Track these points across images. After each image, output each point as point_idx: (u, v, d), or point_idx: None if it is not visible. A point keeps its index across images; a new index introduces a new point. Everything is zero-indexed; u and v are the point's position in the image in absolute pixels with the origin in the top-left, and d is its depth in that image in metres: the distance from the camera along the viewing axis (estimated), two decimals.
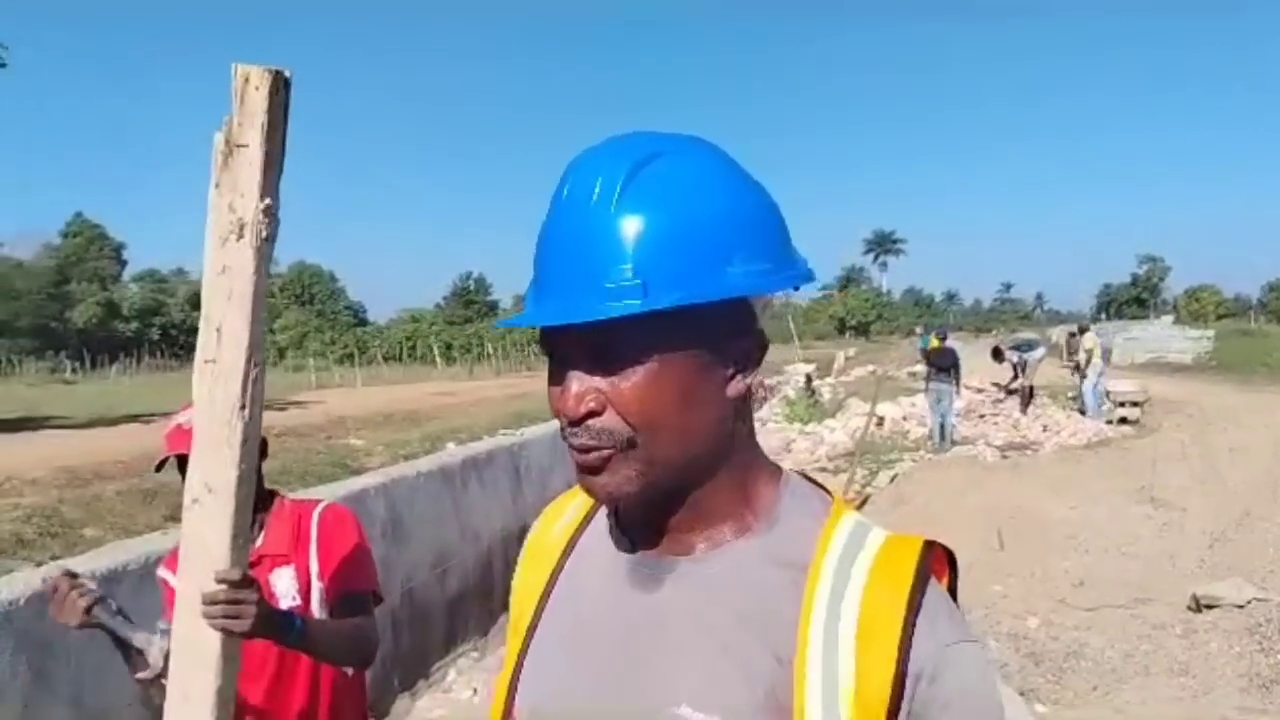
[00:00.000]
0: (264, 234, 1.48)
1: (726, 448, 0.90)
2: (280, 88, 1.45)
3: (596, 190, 0.82)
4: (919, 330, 22.19)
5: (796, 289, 0.91)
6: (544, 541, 1.05)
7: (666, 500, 0.88)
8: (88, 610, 1.94)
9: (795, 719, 0.80)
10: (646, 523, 0.91)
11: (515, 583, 1.06)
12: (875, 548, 0.87)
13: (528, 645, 0.98)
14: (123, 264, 75.62)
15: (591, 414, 0.83)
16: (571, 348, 0.84)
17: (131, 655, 1.98)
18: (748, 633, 0.85)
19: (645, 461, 0.84)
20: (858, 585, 0.84)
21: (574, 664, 0.92)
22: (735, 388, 0.87)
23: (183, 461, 2.11)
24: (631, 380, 0.82)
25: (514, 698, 0.97)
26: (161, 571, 2.30)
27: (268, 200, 1.47)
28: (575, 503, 1.05)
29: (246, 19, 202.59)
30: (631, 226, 0.81)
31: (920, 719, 0.81)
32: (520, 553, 1.09)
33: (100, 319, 63.26)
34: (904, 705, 0.80)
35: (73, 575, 1.99)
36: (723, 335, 0.86)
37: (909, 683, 0.80)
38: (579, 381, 0.83)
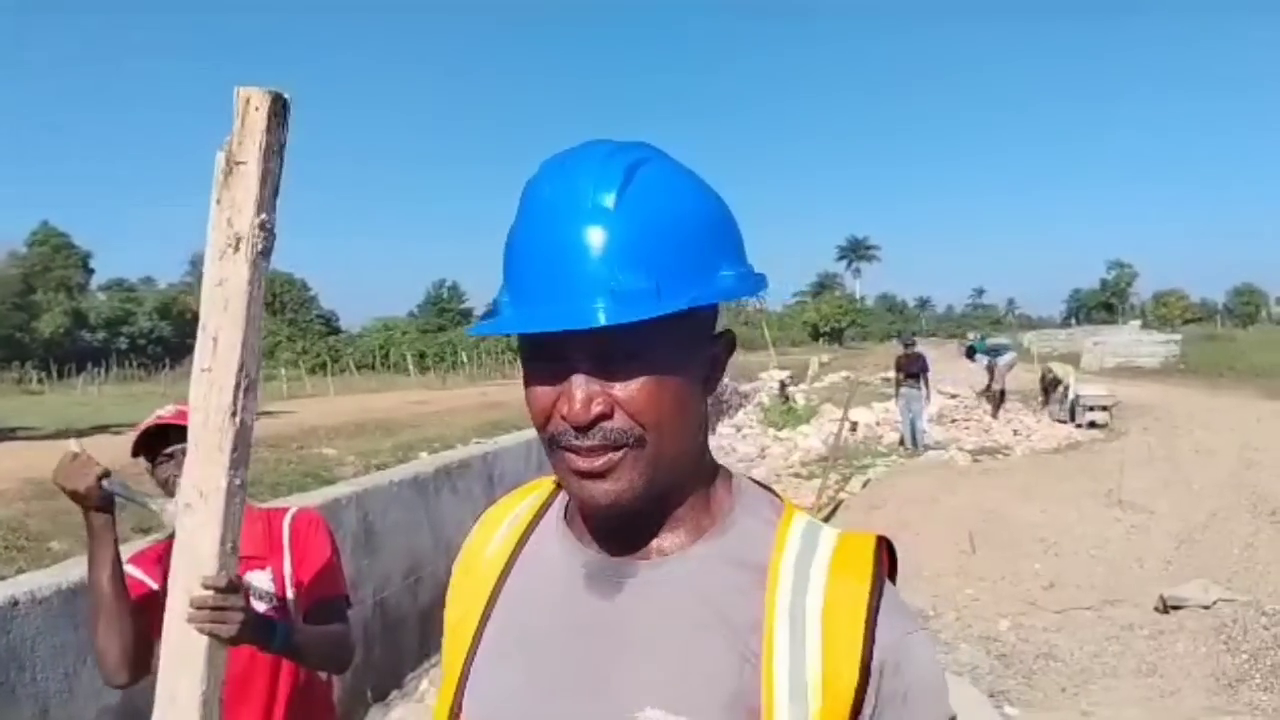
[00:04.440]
0: (259, 248, 1.54)
1: (703, 449, 0.93)
2: (279, 109, 1.52)
3: (592, 195, 0.81)
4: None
5: (761, 293, 0.93)
6: (482, 551, 1.03)
7: (649, 504, 0.88)
8: (99, 479, 1.91)
9: (764, 715, 0.82)
10: (616, 528, 0.91)
11: (451, 593, 1.04)
12: (830, 546, 0.89)
13: (473, 654, 0.96)
14: (90, 273, 74.52)
15: (602, 417, 0.82)
16: (573, 353, 0.82)
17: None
18: (712, 633, 0.86)
19: (651, 462, 0.84)
20: (819, 582, 0.86)
21: (527, 671, 0.91)
22: (709, 388, 0.91)
23: (158, 439, 2.12)
24: (639, 381, 0.82)
25: (459, 707, 0.96)
26: (127, 566, 2.25)
27: (263, 216, 1.53)
28: (514, 512, 1.05)
29: (214, 28, 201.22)
30: (638, 230, 0.81)
31: (884, 706, 0.83)
32: (454, 569, 1.07)
33: (67, 329, 62.38)
34: (869, 694, 0.82)
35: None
36: (704, 338, 0.89)
37: (874, 673, 0.83)
38: (586, 385, 0.82)
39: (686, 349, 0.85)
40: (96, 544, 1.97)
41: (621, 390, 0.83)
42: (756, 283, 0.90)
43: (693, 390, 0.87)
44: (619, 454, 0.83)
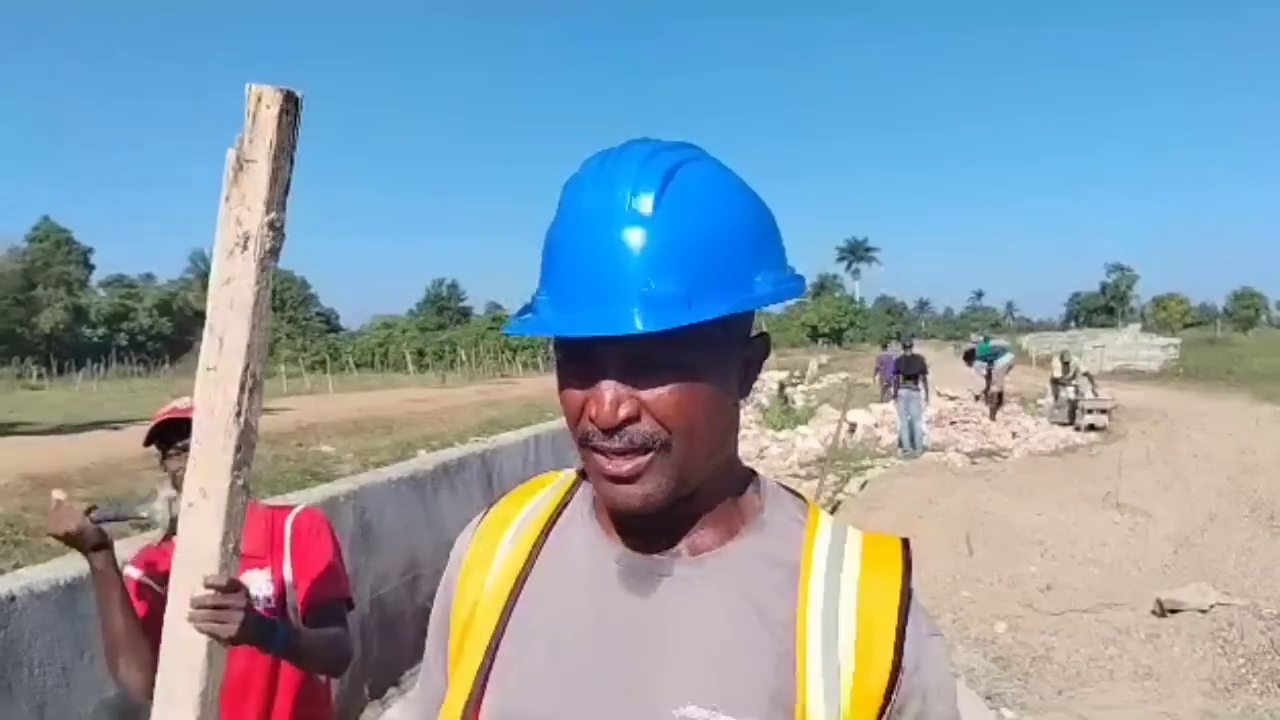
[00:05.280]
0: (267, 247, 1.52)
1: (733, 452, 0.94)
2: (291, 107, 1.50)
3: (630, 199, 0.81)
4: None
5: (799, 296, 0.93)
6: (494, 546, 1.00)
7: (679, 504, 0.88)
8: (86, 513, 1.96)
9: (799, 710, 0.83)
10: (649, 527, 0.91)
11: (458, 587, 1.00)
12: (858, 546, 0.92)
13: (494, 651, 0.94)
14: (90, 269, 74.54)
15: (629, 420, 0.83)
16: (605, 356, 0.83)
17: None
18: (753, 631, 0.87)
19: (677, 466, 0.85)
20: (851, 581, 0.88)
21: (557, 668, 0.90)
22: (743, 390, 0.91)
23: (173, 430, 2.13)
24: (669, 386, 0.83)
25: (476, 705, 0.93)
26: (127, 569, 2.25)
27: (273, 215, 1.52)
28: (528, 506, 1.02)
29: (215, 26, 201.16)
30: (673, 236, 0.81)
31: (906, 703, 0.86)
32: (457, 559, 1.03)
33: (67, 324, 62.38)
34: (897, 691, 0.85)
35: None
36: (737, 342, 0.89)
37: (904, 670, 0.85)
38: (615, 389, 0.83)
39: (718, 353, 0.85)
40: (102, 584, 2.01)
41: (649, 394, 0.83)
42: (794, 287, 0.89)
43: (723, 394, 0.87)
44: (646, 458, 0.84)
